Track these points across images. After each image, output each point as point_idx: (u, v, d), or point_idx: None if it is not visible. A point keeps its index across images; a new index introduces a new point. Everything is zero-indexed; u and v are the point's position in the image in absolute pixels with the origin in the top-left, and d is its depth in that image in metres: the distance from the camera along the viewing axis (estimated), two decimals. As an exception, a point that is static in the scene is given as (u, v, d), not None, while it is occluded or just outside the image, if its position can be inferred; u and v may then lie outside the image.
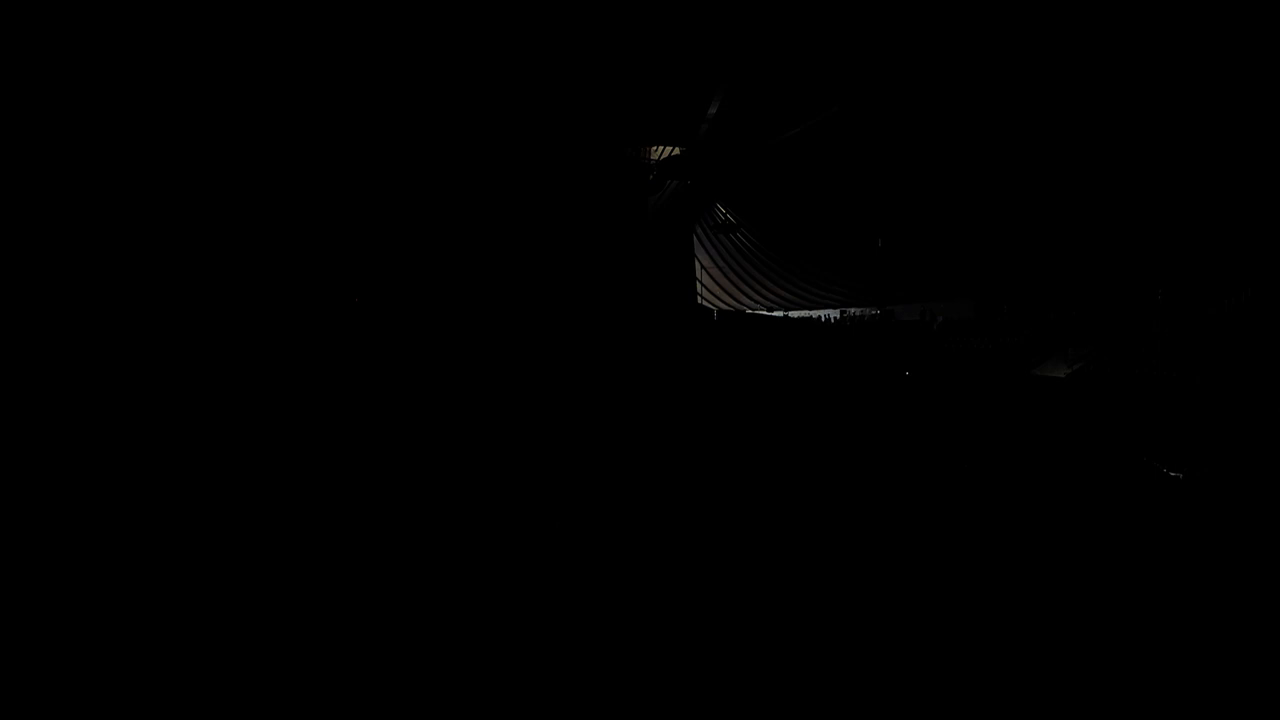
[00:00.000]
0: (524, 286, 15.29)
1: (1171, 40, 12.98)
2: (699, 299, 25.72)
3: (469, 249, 14.85)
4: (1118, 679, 3.34)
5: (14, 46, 9.16)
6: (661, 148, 22.39)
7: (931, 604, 4.17)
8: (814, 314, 24.42)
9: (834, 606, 4.15)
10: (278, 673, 3.41)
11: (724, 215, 25.36)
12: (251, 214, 11.59)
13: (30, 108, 9.29)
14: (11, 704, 3.16)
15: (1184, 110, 13.33)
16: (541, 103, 15.92)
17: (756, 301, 26.37)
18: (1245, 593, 4.25)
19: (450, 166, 14.77)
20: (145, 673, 3.38)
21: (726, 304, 26.46)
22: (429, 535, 5.31)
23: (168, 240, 10.38)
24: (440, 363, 10.40)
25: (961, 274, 18.68)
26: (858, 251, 21.61)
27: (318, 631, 3.79)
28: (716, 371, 12.54)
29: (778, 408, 10.41)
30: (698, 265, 25.98)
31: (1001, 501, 6.32)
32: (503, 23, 14.26)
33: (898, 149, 19.14)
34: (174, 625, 3.81)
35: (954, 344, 15.66)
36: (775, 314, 24.94)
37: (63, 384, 7.40)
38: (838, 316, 23.19)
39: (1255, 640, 3.67)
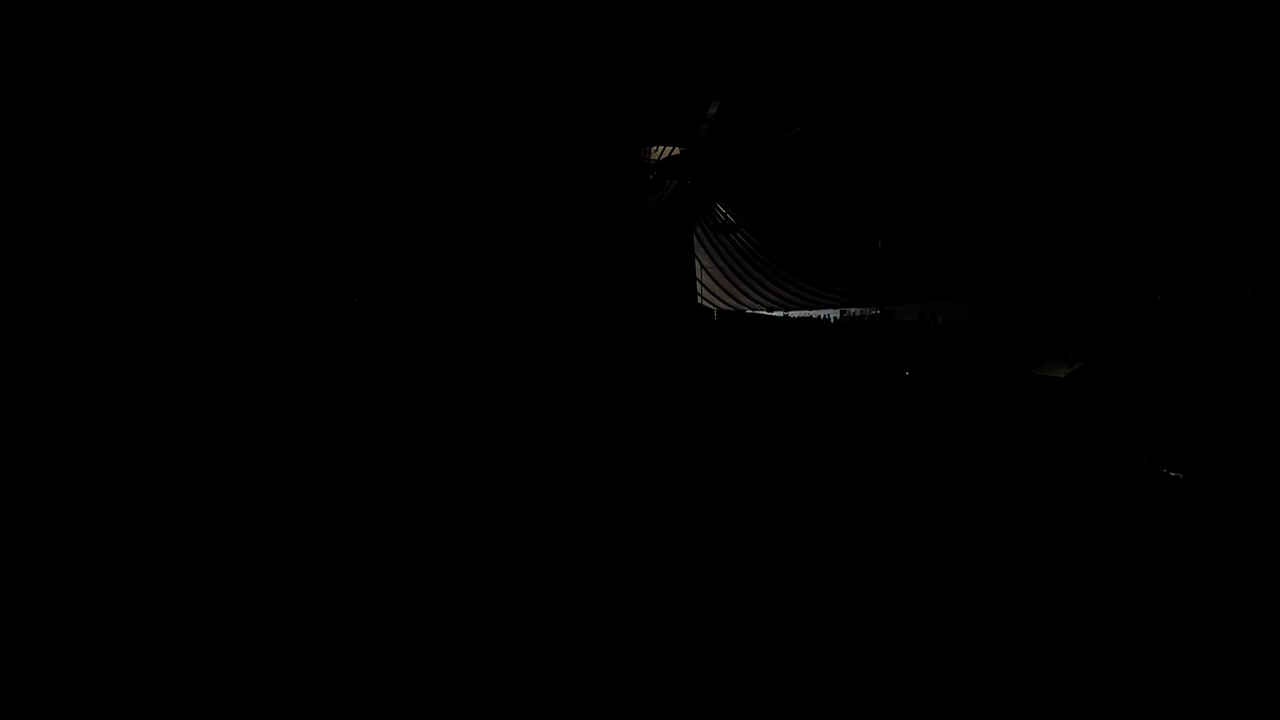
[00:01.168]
0: (524, 286, 15.28)
1: (1171, 40, 12.98)
2: (699, 299, 25.71)
3: (469, 249, 14.85)
4: (1118, 678, 3.34)
5: (14, 47, 9.16)
6: (661, 148, 22.38)
7: (932, 604, 4.17)
8: (814, 314, 24.41)
9: (834, 606, 4.16)
10: (277, 672, 3.41)
11: (724, 215, 25.35)
12: (252, 215, 11.59)
13: (30, 108, 9.29)
14: (11, 704, 3.16)
15: (1184, 110, 13.33)
16: (542, 103, 15.91)
17: (756, 301, 26.37)
18: (1245, 593, 4.25)
19: (451, 167, 14.76)
20: (145, 673, 3.38)
21: (726, 304, 26.45)
22: (430, 535, 5.31)
23: (168, 240, 10.38)
24: (441, 363, 10.40)
25: (961, 274, 18.68)
26: (858, 251, 21.60)
27: (317, 631, 3.79)
28: (716, 372, 12.54)
29: (778, 408, 10.41)
30: (698, 265, 25.97)
31: (1001, 501, 6.32)
32: (503, 23, 14.26)
33: (898, 149, 19.14)
34: (174, 625, 3.81)
35: (954, 344, 15.65)
36: (775, 314, 24.94)
37: (63, 384, 7.40)
38: (838, 316, 23.19)
39: (1255, 640, 3.67)
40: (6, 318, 8.03)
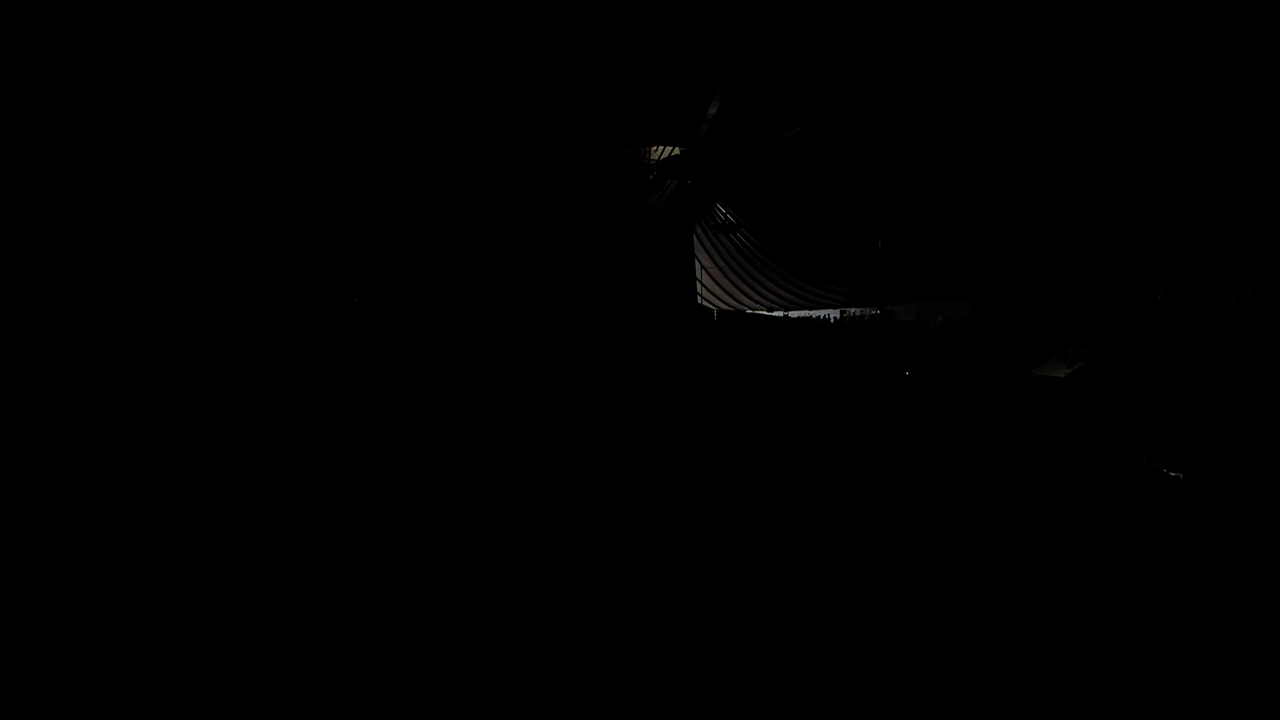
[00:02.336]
0: (524, 286, 15.28)
1: (1172, 40, 12.98)
2: (699, 299, 25.72)
3: (469, 249, 14.85)
4: (1118, 679, 3.34)
5: (14, 47, 9.16)
6: (661, 148, 22.38)
7: (932, 604, 4.17)
8: (814, 314, 24.41)
9: (834, 607, 4.16)
10: (277, 673, 3.41)
11: (724, 215, 25.35)
12: (252, 215, 11.59)
13: (30, 108, 9.29)
14: (11, 704, 3.16)
15: (1184, 110, 13.33)
16: (542, 103, 15.91)
17: (756, 301, 26.37)
18: (1245, 593, 4.25)
19: (450, 167, 14.76)
20: (145, 673, 3.38)
21: (726, 304, 26.45)
22: (430, 536, 5.31)
23: (168, 240, 10.38)
24: (441, 363, 10.40)
25: (961, 274, 18.68)
26: (858, 251, 21.61)
27: (317, 632, 3.79)
28: (716, 372, 12.54)
29: (778, 408, 10.41)
30: (698, 265, 25.97)
31: (1001, 501, 6.32)
32: (502, 23, 14.26)
33: (898, 149, 19.14)
34: (174, 626, 3.81)
35: (954, 344, 15.66)
36: (775, 314, 24.95)
37: (63, 384, 7.40)
38: (838, 316, 23.19)
39: (1255, 640, 3.67)
40: (6, 318, 8.03)
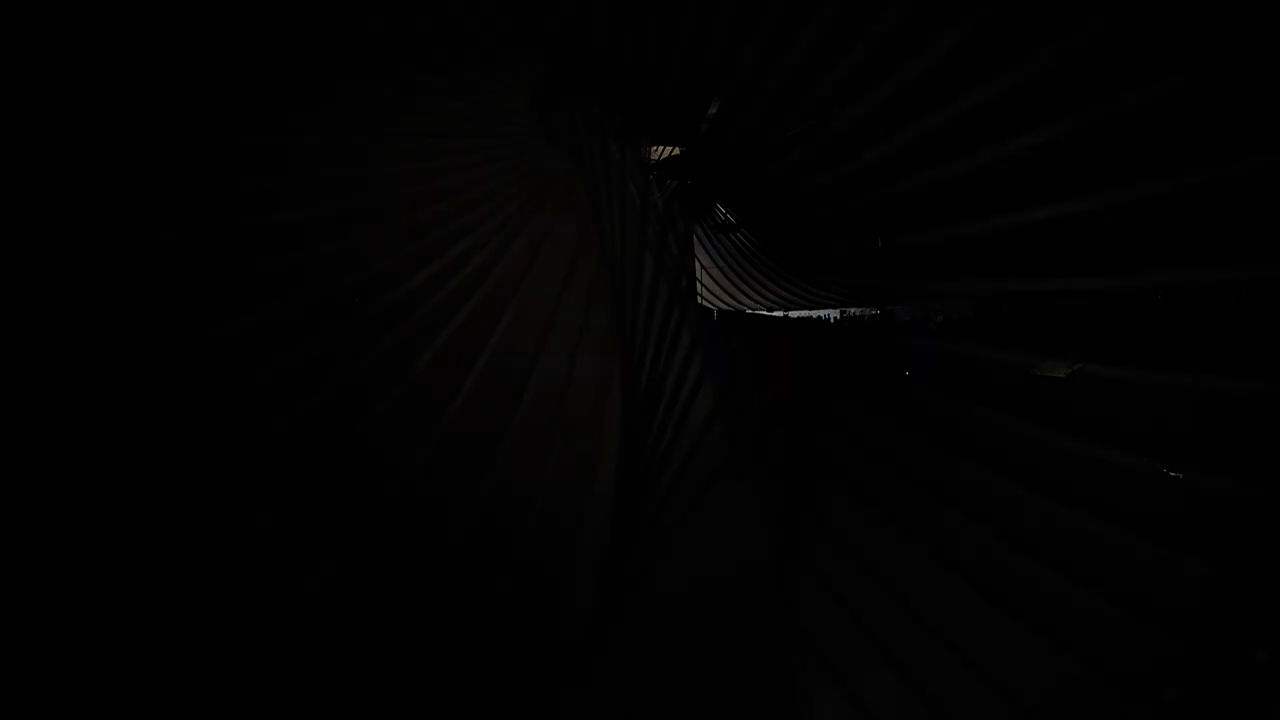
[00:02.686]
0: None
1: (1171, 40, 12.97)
2: (699, 299, 25.73)
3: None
4: (1118, 679, 3.34)
5: (13, 46, 9.17)
6: (661, 148, 22.39)
7: (931, 604, 4.18)
8: (814, 314, 24.42)
9: (834, 605, 4.16)
10: (276, 672, 3.41)
11: (724, 215, 25.36)
12: (252, 215, 11.60)
13: (30, 108, 9.30)
14: (11, 704, 3.16)
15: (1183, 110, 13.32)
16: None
17: (756, 301, 26.39)
18: (1245, 592, 4.25)
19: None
20: (145, 672, 3.38)
21: (726, 304, 26.48)
22: (430, 535, 5.31)
23: (167, 239, 10.39)
24: (439, 363, 10.40)
25: (961, 274, 18.66)
26: (858, 251, 21.59)
27: (317, 632, 3.79)
28: (716, 372, 12.54)
29: (777, 408, 10.42)
30: (698, 265, 25.99)
31: (1001, 501, 6.33)
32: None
33: (897, 148, 19.11)
34: (173, 625, 3.81)
35: (954, 344, 15.63)
36: (775, 314, 24.96)
37: (62, 384, 7.41)
38: (838, 317, 23.19)
39: (1255, 640, 3.67)
40: (6, 318, 8.04)
